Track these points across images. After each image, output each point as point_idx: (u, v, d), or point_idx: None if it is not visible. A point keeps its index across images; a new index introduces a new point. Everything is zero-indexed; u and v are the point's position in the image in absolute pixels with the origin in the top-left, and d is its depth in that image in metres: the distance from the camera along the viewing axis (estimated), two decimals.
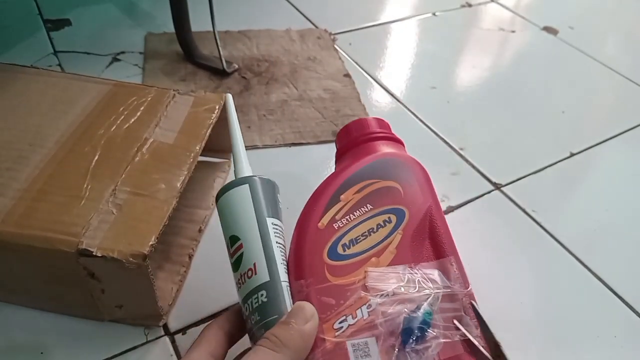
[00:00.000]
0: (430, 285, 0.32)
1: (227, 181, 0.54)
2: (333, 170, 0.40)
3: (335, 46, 0.78)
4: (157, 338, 0.40)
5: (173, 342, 0.40)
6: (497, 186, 0.57)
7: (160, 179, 0.38)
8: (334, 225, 0.35)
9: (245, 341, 0.33)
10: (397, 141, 0.42)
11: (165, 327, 0.41)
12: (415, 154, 0.41)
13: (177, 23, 0.66)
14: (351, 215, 0.35)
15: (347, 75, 0.71)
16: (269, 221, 0.33)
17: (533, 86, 0.75)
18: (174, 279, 0.43)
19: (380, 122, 0.43)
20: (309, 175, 0.54)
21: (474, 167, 0.60)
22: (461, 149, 0.62)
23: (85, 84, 0.47)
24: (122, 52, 0.70)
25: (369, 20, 0.86)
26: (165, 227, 0.35)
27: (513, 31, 0.88)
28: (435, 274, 0.32)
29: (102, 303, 0.38)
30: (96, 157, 0.39)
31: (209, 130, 0.44)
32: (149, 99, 0.45)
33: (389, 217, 0.35)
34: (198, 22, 0.68)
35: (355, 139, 0.41)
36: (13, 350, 0.38)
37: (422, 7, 0.92)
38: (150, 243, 0.34)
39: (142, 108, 0.44)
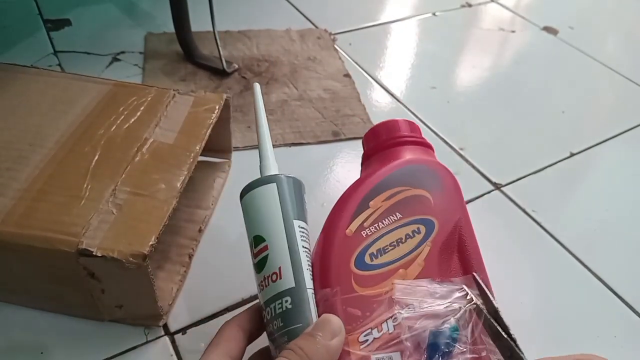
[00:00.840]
0: (457, 300, 0.31)
1: (227, 182, 0.54)
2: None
3: (335, 46, 0.78)
4: (157, 338, 0.40)
5: (173, 342, 0.40)
6: (497, 186, 0.57)
7: (160, 179, 0.38)
8: (362, 232, 0.33)
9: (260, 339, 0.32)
10: (427, 146, 0.41)
11: (165, 327, 0.41)
12: None
13: (177, 23, 0.66)
14: (380, 223, 0.34)
15: (347, 75, 0.71)
16: (296, 224, 0.32)
17: (533, 86, 0.75)
18: (174, 279, 0.43)
19: (411, 125, 0.41)
20: (309, 175, 0.54)
21: (474, 167, 0.60)
22: (461, 149, 0.62)
23: (85, 84, 0.47)
24: (122, 52, 0.70)
25: (369, 20, 0.86)
26: (165, 227, 0.35)
27: (513, 31, 0.88)
28: (462, 290, 0.31)
29: (102, 303, 0.38)
30: (96, 157, 0.39)
31: (209, 130, 0.44)
32: (149, 99, 0.45)
33: (418, 228, 0.34)
34: (198, 22, 0.68)
35: (384, 141, 0.40)
36: (13, 350, 0.38)
37: (422, 7, 0.92)
38: (150, 243, 0.34)
39: (142, 108, 0.44)
